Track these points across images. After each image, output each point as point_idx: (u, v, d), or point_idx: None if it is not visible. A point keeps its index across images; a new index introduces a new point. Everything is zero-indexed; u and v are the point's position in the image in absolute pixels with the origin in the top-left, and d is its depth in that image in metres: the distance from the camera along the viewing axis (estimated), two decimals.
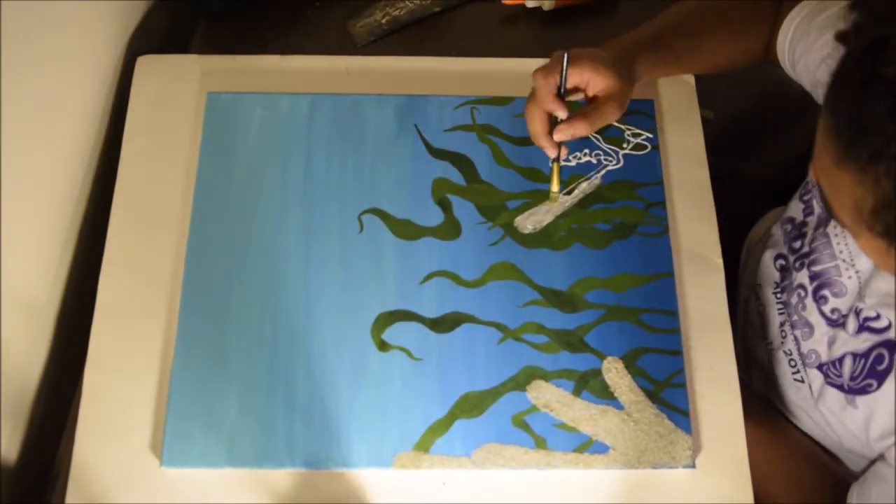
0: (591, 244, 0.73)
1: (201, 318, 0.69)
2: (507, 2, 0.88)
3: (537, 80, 0.66)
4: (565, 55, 0.64)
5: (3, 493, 0.67)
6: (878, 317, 0.63)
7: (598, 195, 0.75)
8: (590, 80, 0.67)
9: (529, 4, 0.88)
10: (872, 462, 0.65)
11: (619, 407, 0.68)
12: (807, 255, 0.70)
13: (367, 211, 0.74)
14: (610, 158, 0.77)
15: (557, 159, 0.69)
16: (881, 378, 0.61)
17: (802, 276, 0.70)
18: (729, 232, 0.76)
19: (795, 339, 0.71)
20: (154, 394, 0.68)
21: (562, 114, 0.65)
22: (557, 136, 0.66)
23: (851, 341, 0.64)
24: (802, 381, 0.71)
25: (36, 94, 0.67)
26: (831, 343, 0.67)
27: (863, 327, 0.63)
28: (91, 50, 0.77)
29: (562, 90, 0.65)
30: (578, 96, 0.69)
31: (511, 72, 0.82)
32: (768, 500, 0.70)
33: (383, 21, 0.87)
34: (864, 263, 0.64)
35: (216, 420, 0.66)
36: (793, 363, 0.72)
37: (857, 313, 0.64)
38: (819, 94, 0.68)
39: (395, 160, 0.76)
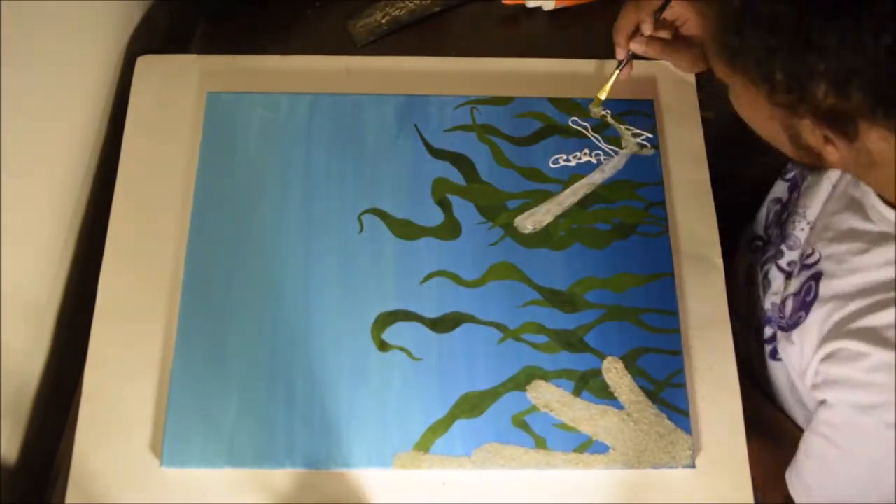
0: (591, 244, 0.73)
1: (201, 318, 0.69)
2: (507, 2, 0.88)
3: None
4: None
5: (3, 493, 0.67)
6: (812, 252, 0.65)
7: (598, 195, 0.75)
8: (689, 19, 0.72)
9: (530, 4, 0.88)
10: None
11: (619, 407, 0.68)
12: (785, 221, 0.73)
13: (367, 211, 0.74)
14: (610, 158, 0.77)
15: (620, 66, 0.76)
16: (808, 308, 0.63)
17: (779, 243, 0.72)
18: (729, 232, 0.77)
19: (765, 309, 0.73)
20: (154, 394, 0.68)
21: (647, 29, 0.73)
22: (633, 46, 0.75)
23: (793, 283, 0.67)
24: (774, 359, 0.72)
25: (36, 94, 0.67)
26: (778, 291, 0.69)
27: (802, 267, 0.66)
28: (91, 50, 0.77)
29: (659, 12, 0.72)
30: (666, 34, 0.74)
31: (511, 72, 0.82)
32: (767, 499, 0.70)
33: (383, 21, 0.87)
34: (813, 213, 0.67)
35: (216, 420, 0.66)
36: (757, 340, 0.74)
37: (802, 256, 0.67)
38: None
39: (395, 160, 0.76)
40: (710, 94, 0.81)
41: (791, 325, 0.65)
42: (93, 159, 0.78)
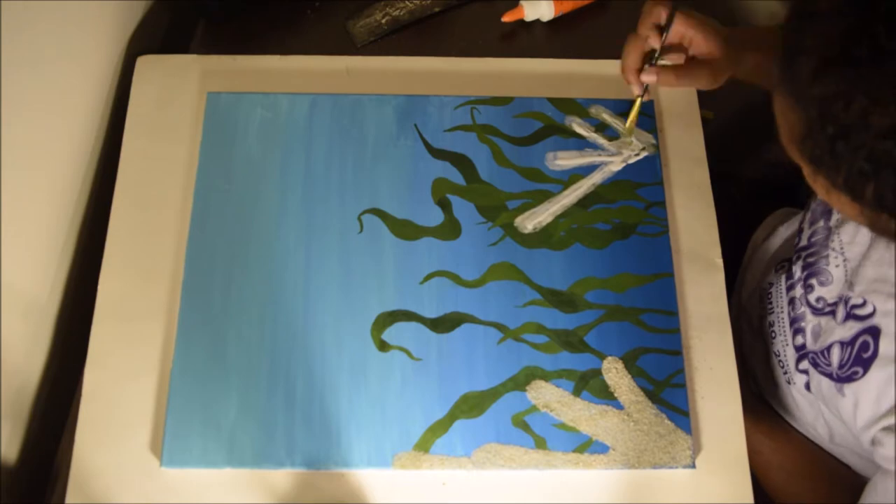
0: (591, 244, 0.73)
1: (201, 318, 0.69)
2: (505, 19, 0.87)
3: (646, 7, 0.70)
4: (673, 2, 0.69)
5: (3, 493, 0.67)
6: (863, 303, 0.63)
7: (598, 195, 0.75)
8: (693, 38, 0.70)
9: (528, 19, 0.87)
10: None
11: (619, 407, 0.68)
12: (805, 248, 0.70)
13: (367, 211, 0.74)
14: (612, 159, 0.77)
15: (641, 96, 0.74)
16: (866, 365, 0.61)
17: (798, 269, 0.70)
18: (729, 232, 0.77)
19: (786, 336, 0.71)
20: (154, 394, 0.68)
21: (655, 43, 0.70)
22: (644, 77, 0.72)
23: (838, 330, 0.64)
24: (790, 383, 0.71)
25: (36, 94, 0.67)
26: (816, 332, 0.67)
27: (849, 315, 0.64)
28: (91, 50, 0.77)
29: (664, 31, 0.69)
30: (679, 59, 0.72)
31: (511, 72, 0.82)
32: (772, 492, 0.70)
33: (383, 21, 0.87)
34: (853, 252, 0.65)
35: (216, 420, 0.66)
36: (781, 364, 0.72)
37: (846, 302, 0.64)
38: None
39: (395, 160, 0.76)
40: (710, 94, 0.81)
41: (843, 378, 0.63)
42: (93, 159, 0.78)
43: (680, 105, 0.81)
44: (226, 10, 0.87)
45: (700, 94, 0.81)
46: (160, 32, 0.89)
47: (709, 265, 0.74)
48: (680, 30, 0.70)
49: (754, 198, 0.94)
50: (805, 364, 0.68)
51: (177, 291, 0.71)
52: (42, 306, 0.72)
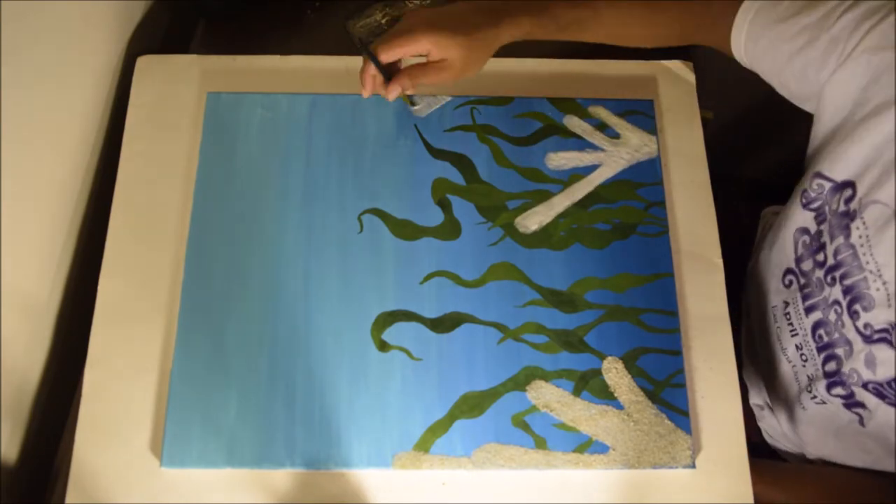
0: (591, 244, 0.73)
1: (201, 318, 0.69)
2: None
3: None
4: (370, 50, 0.68)
5: (3, 493, 0.67)
6: None
7: (598, 195, 0.75)
8: (430, 51, 0.67)
9: None
10: None
11: (619, 407, 0.68)
12: (834, 267, 0.67)
13: (367, 211, 0.74)
14: (612, 159, 0.77)
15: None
16: None
17: (836, 292, 0.67)
18: (729, 232, 0.77)
19: (816, 360, 0.69)
20: (154, 394, 0.68)
21: (364, 93, 0.70)
22: (390, 96, 0.69)
23: None
24: (823, 403, 0.69)
25: (36, 94, 0.67)
26: (871, 361, 0.64)
27: None
28: (91, 50, 0.77)
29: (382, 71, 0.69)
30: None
31: (511, 72, 0.82)
32: None
33: (383, 21, 0.87)
34: (891, 274, 0.62)
35: (216, 420, 0.66)
36: (809, 389, 0.70)
37: None
38: (789, 90, 0.68)
39: (395, 160, 0.76)
40: (710, 94, 0.81)
41: None
42: (93, 159, 0.78)
43: (680, 105, 0.81)
44: (226, 10, 0.87)
45: (700, 94, 0.81)
46: (160, 32, 0.89)
47: (709, 265, 0.74)
48: (410, 49, 0.67)
49: (754, 198, 0.94)
50: (863, 392, 0.66)
51: (177, 292, 0.71)
52: (42, 306, 0.72)
